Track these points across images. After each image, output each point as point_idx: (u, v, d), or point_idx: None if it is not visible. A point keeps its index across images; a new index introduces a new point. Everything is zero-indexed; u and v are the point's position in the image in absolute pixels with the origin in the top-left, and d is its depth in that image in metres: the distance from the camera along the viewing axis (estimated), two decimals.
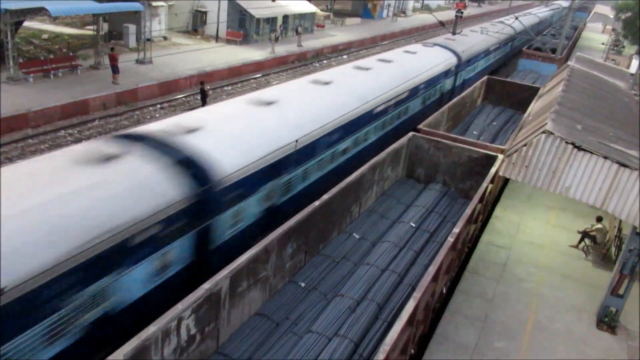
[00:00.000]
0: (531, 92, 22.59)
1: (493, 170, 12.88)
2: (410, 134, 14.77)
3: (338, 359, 7.60)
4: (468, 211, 10.73)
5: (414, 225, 11.89)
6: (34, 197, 7.26)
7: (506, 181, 18.12)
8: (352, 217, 12.06)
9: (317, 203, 9.74)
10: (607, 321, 11.49)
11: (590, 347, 10.94)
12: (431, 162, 14.76)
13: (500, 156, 13.44)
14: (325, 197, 10.05)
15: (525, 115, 17.87)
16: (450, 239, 9.42)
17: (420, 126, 15.52)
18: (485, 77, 24.85)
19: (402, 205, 13.20)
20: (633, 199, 9.92)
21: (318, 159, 13.09)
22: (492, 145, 15.21)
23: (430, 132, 15.15)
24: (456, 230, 9.79)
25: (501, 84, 24.75)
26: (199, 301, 6.84)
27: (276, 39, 36.53)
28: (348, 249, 10.81)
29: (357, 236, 11.32)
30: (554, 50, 35.87)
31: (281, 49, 37.10)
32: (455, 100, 19.59)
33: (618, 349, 11.00)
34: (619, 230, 14.94)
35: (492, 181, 13.05)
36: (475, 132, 19.30)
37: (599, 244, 14.45)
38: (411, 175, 15.18)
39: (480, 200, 11.98)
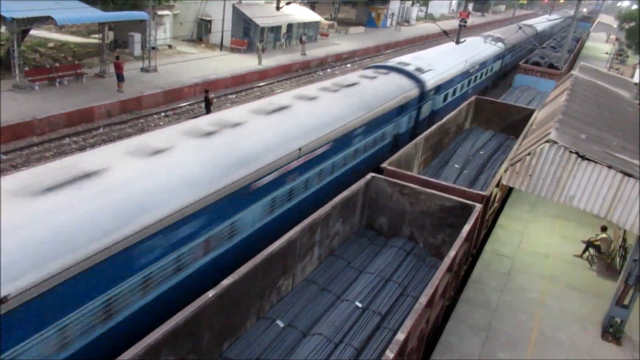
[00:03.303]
0: (526, 114, 20.08)
1: (467, 227, 10.34)
2: (370, 175, 12.05)
3: None
4: (423, 300, 7.89)
5: (360, 305, 9.17)
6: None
7: (510, 190, 18.08)
8: (279, 294, 9.23)
9: (210, 294, 7.06)
10: (612, 332, 11.43)
11: (596, 358, 10.85)
12: (395, 210, 12.06)
13: (479, 206, 11.20)
14: (225, 282, 7.38)
15: (517, 145, 15.07)
16: (390, 354, 6.58)
17: (384, 165, 12.65)
18: (473, 98, 21.81)
19: (353, 271, 10.47)
20: (637, 208, 9.87)
21: None
22: (470, 190, 12.39)
23: (394, 172, 12.43)
24: (400, 337, 6.93)
25: (491, 105, 21.87)
26: None
27: (263, 50, 35.08)
28: (265, 346, 8.05)
29: (281, 324, 8.58)
30: (551, 66, 32.68)
31: (285, 58, 37.26)
32: (433, 128, 16.50)
33: None
34: (624, 240, 14.88)
35: (467, 239, 10.59)
36: (457, 165, 16.34)
37: (604, 254, 14.39)
38: (372, 226, 12.45)
39: (449, 268, 9.41)
